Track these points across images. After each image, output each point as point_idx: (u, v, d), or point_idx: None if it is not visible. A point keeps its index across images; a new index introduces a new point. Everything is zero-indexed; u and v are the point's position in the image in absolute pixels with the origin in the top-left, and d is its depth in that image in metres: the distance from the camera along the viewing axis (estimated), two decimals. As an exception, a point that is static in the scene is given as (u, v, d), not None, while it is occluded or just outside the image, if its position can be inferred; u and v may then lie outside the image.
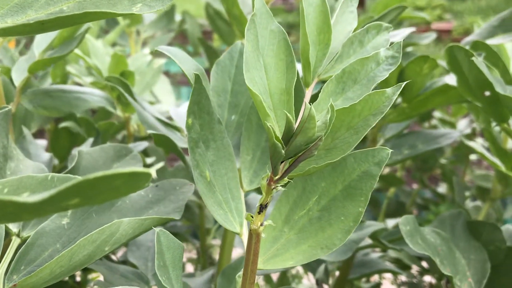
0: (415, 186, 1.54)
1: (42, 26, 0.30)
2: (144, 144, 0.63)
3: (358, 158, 0.39)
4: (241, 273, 0.40)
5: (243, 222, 0.41)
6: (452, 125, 1.20)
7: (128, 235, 0.40)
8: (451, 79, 0.62)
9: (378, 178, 0.39)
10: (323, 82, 0.44)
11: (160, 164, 0.20)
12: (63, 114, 0.64)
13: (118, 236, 0.39)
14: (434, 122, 1.27)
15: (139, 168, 0.20)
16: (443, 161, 1.25)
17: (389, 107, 0.36)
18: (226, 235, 0.59)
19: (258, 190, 0.51)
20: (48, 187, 0.29)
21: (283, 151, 0.34)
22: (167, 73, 2.15)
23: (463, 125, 1.20)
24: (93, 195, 0.22)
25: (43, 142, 0.95)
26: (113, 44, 1.22)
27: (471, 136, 1.19)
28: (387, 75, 0.39)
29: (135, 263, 0.63)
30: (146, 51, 1.17)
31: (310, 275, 1.16)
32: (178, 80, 2.58)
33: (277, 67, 0.38)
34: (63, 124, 0.74)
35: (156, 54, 1.28)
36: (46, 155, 0.63)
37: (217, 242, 1.29)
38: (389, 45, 0.41)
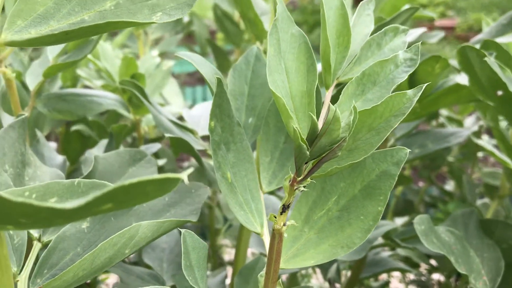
0: (420, 184, 1.54)
1: (67, 36, 0.31)
2: (156, 146, 0.63)
3: (377, 158, 0.40)
4: (263, 272, 0.41)
5: (264, 222, 0.42)
6: (459, 123, 1.20)
7: (147, 238, 0.40)
8: (462, 79, 0.62)
9: (396, 178, 0.39)
10: (339, 84, 0.44)
11: (190, 170, 0.20)
12: (77, 117, 0.65)
13: (137, 239, 0.40)
14: (441, 120, 1.27)
15: (172, 174, 0.21)
16: (450, 159, 1.25)
17: (410, 108, 0.36)
18: (242, 235, 0.59)
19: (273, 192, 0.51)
20: (75, 193, 0.29)
21: (308, 153, 0.34)
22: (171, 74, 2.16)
23: (470, 122, 1.21)
24: (125, 200, 0.22)
25: (53, 145, 0.96)
26: (122, 46, 1.22)
27: (478, 133, 1.19)
28: (406, 77, 0.39)
29: (151, 265, 0.64)
30: (155, 53, 1.18)
31: (319, 274, 1.16)
32: (182, 81, 2.59)
33: (298, 70, 0.39)
34: (75, 127, 0.75)
35: (164, 55, 1.28)
36: (60, 158, 0.64)
37: (226, 242, 1.29)
38: (406, 47, 0.41)
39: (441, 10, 4.99)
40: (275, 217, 0.38)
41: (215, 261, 1.06)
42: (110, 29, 0.31)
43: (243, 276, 0.53)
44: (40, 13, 0.33)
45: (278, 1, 0.39)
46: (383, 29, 0.44)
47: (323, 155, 0.36)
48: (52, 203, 0.19)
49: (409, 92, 0.37)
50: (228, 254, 1.55)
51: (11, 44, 0.32)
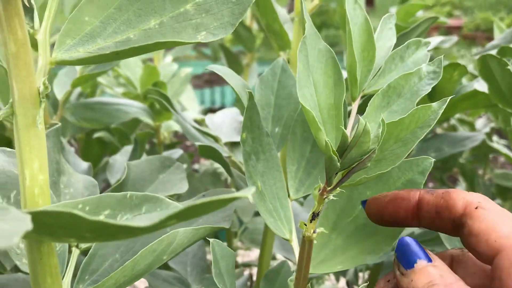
0: (430, 185, 1.55)
1: (117, 55, 0.32)
2: (179, 152, 0.65)
3: (403, 167, 0.41)
4: (292, 277, 0.42)
5: (293, 229, 0.43)
6: (471, 125, 1.21)
7: (183, 244, 0.42)
8: (480, 86, 0.64)
9: (422, 186, 0.40)
10: (363, 96, 0.45)
11: (253, 188, 0.22)
12: (104, 125, 0.66)
13: (175, 246, 0.41)
14: (452, 122, 1.28)
15: (238, 194, 0.22)
16: (461, 160, 1.26)
17: (435, 120, 0.38)
18: (266, 239, 0.61)
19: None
20: (127, 205, 0.30)
21: (338, 164, 0.36)
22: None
23: (480, 124, 1.21)
24: (188, 216, 0.24)
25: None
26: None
27: (489, 135, 1.20)
28: (429, 89, 0.41)
29: (175, 268, 0.65)
30: (169, 58, 1.19)
31: (332, 275, 1.18)
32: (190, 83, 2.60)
33: (325, 84, 0.40)
34: (98, 134, 0.76)
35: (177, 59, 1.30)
36: (85, 164, 0.65)
37: (240, 244, 1.30)
38: (429, 60, 0.42)
39: (447, 9, 4.99)
40: (305, 225, 0.39)
41: (232, 264, 1.08)
42: (156, 48, 0.33)
43: (269, 280, 0.55)
44: (87, 32, 0.34)
45: (307, 19, 0.40)
46: (406, 43, 0.45)
47: (353, 166, 0.37)
48: (127, 221, 0.21)
49: (434, 105, 0.38)
50: (241, 256, 1.56)
51: (62, 63, 0.33)
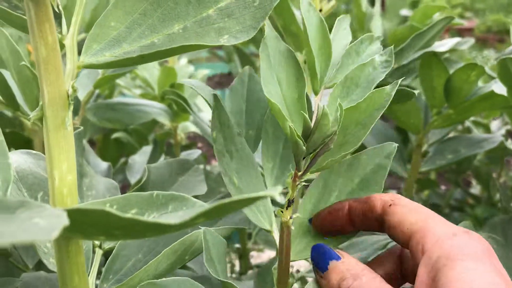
0: (442, 187, 1.54)
1: (142, 59, 0.33)
2: (198, 152, 0.65)
3: (371, 154, 0.45)
4: (275, 265, 0.44)
5: (273, 221, 0.45)
6: (486, 127, 1.20)
7: (205, 245, 0.43)
8: (498, 87, 0.64)
9: (388, 169, 0.44)
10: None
11: (280, 188, 0.22)
12: (126, 126, 0.67)
13: (197, 246, 0.42)
14: (466, 124, 1.27)
15: (264, 192, 0.23)
16: (476, 163, 1.26)
17: (389, 102, 0.41)
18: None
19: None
20: (154, 205, 0.31)
21: (304, 147, 0.38)
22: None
23: (496, 126, 1.21)
24: (216, 215, 0.25)
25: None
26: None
27: (505, 137, 1.19)
28: (383, 77, 0.44)
29: (191, 267, 0.66)
30: (183, 61, 1.20)
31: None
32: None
33: (288, 81, 0.43)
34: (116, 135, 0.77)
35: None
36: (105, 165, 0.66)
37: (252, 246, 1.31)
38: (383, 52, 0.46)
39: (458, 11, 4.96)
40: (282, 212, 0.41)
41: (246, 265, 1.08)
42: (181, 52, 0.33)
43: (262, 276, 0.56)
44: (113, 37, 0.35)
45: (267, 24, 0.43)
46: (359, 38, 0.49)
47: (318, 149, 0.40)
48: (158, 219, 0.22)
49: (387, 87, 0.42)
50: (254, 258, 1.57)
51: (89, 66, 0.34)
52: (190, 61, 1.29)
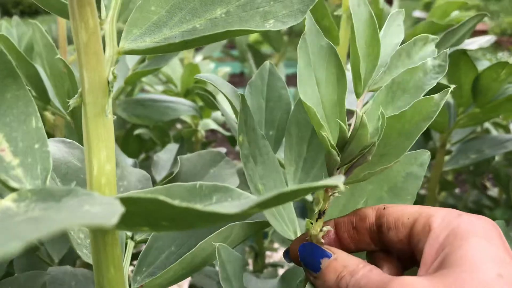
0: (457, 190, 1.53)
1: (186, 44, 0.32)
2: (223, 150, 0.65)
3: (403, 161, 0.43)
4: (302, 278, 0.42)
5: (297, 230, 0.43)
6: (506, 128, 1.19)
7: (240, 238, 0.42)
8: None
9: (422, 178, 0.43)
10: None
11: (342, 177, 0.21)
12: (154, 122, 0.67)
13: (232, 239, 0.41)
14: (485, 126, 1.25)
15: (328, 181, 0.22)
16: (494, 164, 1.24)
17: (437, 113, 0.37)
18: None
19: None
20: (197, 195, 0.30)
21: (338, 158, 0.36)
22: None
23: (515, 127, 1.19)
24: (271, 205, 0.23)
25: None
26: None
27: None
28: (435, 84, 0.40)
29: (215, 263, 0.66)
30: (198, 58, 1.19)
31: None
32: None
33: (328, 81, 0.40)
34: (138, 131, 0.77)
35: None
36: (130, 161, 0.66)
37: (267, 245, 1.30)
38: (438, 55, 0.42)
39: (472, 13, 4.94)
40: (312, 224, 0.39)
41: (263, 264, 1.07)
42: (226, 37, 0.32)
43: (286, 280, 0.53)
44: (154, 22, 0.34)
45: (307, 17, 0.40)
46: (412, 39, 0.45)
47: (354, 161, 0.37)
48: (217, 208, 0.21)
49: (436, 96, 0.38)
50: (268, 258, 1.56)
51: (130, 52, 0.33)
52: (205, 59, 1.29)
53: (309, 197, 0.72)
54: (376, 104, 0.41)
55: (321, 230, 0.39)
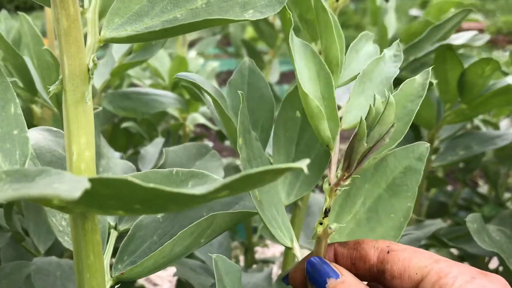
0: (449, 187, 1.53)
1: (165, 33, 0.32)
2: (210, 144, 0.65)
3: (399, 155, 0.41)
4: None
5: (293, 236, 0.42)
6: (495, 126, 1.20)
7: (221, 228, 0.42)
8: (512, 81, 0.63)
9: (422, 172, 0.41)
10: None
11: (307, 160, 0.21)
12: (141, 115, 0.67)
13: (212, 229, 0.41)
14: (475, 123, 1.26)
15: (292, 164, 0.22)
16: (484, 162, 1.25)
17: (425, 91, 0.39)
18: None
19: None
20: (173, 181, 0.30)
21: (365, 144, 0.35)
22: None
23: (505, 125, 1.20)
24: (240, 188, 0.24)
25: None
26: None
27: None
28: (397, 71, 0.43)
29: (202, 258, 0.66)
30: (192, 53, 1.20)
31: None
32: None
33: (312, 77, 0.41)
34: (125, 125, 0.77)
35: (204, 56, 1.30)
36: (117, 154, 0.66)
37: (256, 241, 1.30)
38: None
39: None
40: (321, 224, 0.38)
41: (252, 259, 1.08)
42: (204, 26, 0.33)
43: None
44: (135, 11, 0.34)
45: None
46: (358, 36, 0.47)
47: (373, 145, 0.37)
48: (184, 189, 0.21)
49: (417, 78, 0.40)
50: (258, 254, 1.57)
51: (111, 40, 0.33)
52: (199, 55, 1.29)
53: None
54: (353, 94, 0.42)
55: (330, 228, 0.38)
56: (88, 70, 0.32)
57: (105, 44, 0.36)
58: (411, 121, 0.39)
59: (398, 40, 0.45)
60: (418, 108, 0.68)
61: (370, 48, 0.48)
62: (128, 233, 0.42)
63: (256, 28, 1.25)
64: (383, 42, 0.81)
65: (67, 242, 0.38)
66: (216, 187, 0.22)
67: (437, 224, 0.66)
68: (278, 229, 0.41)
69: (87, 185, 0.20)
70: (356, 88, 0.42)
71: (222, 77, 3.29)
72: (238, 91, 0.48)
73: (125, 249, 0.41)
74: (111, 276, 0.39)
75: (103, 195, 0.25)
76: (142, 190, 0.23)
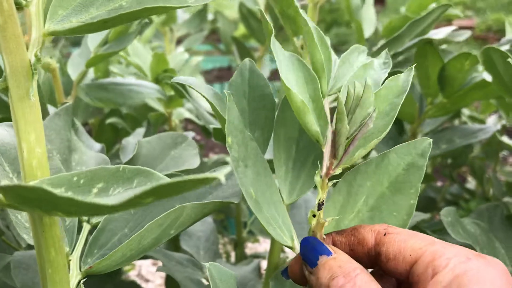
0: (439, 183, 1.54)
1: (105, 24, 0.32)
2: (191, 134, 0.65)
3: (400, 152, 0.41)
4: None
5: (293, 235, 0.41)
6: (482, 122, 1.20)
7: (191, 219, 0.41)
8: (488, 76, 0.63)
9: (425, 168, 0.40)
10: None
11: (227, 169, 0.21)
12: (118, 105, 0.67)
13: (182, 220, 0.40)
14: (463, 119, 1.27)
15: (209, 174, 0.21)
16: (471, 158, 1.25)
17: (409, 86, 0.41)
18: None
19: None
20: (120, 178, 0.30)
21: (348, 126, 0.36)
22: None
23: (492, 122, 1.21)
24: (165, 194, 0.24)
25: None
26: (148, 43, 1.25)
27: (500, 133, 1.19)
28: (385, 76, 0.44)
29: (189, 251, 0.66)
30: (180, 49, 1.19)
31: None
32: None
33: (299, 81, 0.42)
34: (110, 120, 0.77)
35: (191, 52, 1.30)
36: (98, 146, 0.65)
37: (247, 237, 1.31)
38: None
39: (459, 10, 4.96)
40: (314, 216, 0.38)
41: (241, 253, 1.08)
42: (147, 14, 0.32)
43: (279, 280, 0.52)
44: (80, 2, 0.34)
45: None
46: (349, 49, 0.48)
47: (355, 133, 0.37)
48: (93, 198, 0.21)
49: (401, 75, 0.42)
50: (249, 249, 1.57)
51: (54, 33, 0.33)
52: (188, 51, 1.29)
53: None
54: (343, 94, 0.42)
55: (325, 220, 0.38)
56: (31, 65, 0.31)
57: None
58: (396, 115, 0.40)
59: (386, 50, 0.47)
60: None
61: (363, 60, 0.48)
62: (98, 226, 0.42)
63: (247, 25, 1.25)
64: (359, 38, 0.81)
65: (32, 238, 0.38)
66: (136, 195, 0.22)
67: (419, 216, 0.66)
68: (278, 228, 0.40)
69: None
70: (345, 90, 0.41)
71: (214, 74, 3.29)
72: (237, 91, 0.49)
73: (95, 243, 0.41)
74: (80, 270, 0.39)
75: (28, 198, 0.25)
76: (56, 198, 0.23)
